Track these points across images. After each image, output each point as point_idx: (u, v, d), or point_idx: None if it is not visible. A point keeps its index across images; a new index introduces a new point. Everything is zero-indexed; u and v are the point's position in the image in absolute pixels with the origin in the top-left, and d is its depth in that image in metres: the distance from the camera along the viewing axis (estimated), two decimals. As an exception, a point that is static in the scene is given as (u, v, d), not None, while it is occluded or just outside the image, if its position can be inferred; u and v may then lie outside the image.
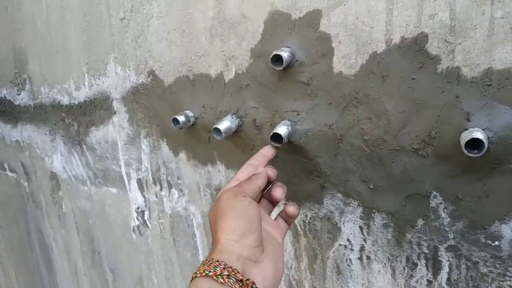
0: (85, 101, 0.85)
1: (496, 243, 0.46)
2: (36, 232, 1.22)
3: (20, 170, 1.16)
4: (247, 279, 0.38)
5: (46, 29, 0.87)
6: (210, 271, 0.38)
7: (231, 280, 0.37)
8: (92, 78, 0.82)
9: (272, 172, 0.51)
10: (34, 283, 1.34)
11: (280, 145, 0.54)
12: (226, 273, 0.38)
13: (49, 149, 1.01)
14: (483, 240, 0.47)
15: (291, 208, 0.49)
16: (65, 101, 0.90)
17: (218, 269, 0.38)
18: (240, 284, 0.38)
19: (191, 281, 0.39)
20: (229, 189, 0.46)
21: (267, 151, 0.53)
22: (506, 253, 0.46)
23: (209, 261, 0.39)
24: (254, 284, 0.38)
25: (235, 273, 0.38)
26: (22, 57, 0.97)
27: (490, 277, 0.48)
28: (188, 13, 0.63)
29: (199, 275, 0.38)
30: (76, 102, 0.87)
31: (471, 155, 0.41)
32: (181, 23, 0.64)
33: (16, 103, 1.05)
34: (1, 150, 1.20)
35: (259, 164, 0.51)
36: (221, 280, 0.37)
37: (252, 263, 0.40)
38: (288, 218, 0.50)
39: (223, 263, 0.38)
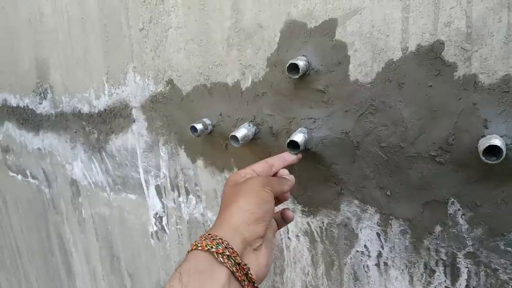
0: (105, 109, 0.88)
1: (516, 250, 0.46)
2: (56, 237, 1.25)
3: (42, 177, 1.19)
4: (245, 264, 0.39)
5: (68, 40, 0.90)
6: (212, 247, 0.38)
7: (230, 262, 0.38)
8: (112, 87, 0.84)
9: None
10: (54, 287, 1.37)
11: (297, 152, 0.55)
12: (227, 253, 0.38)
13: (69, 156, 1.04)
14: (502, 247, 0.47)
15: (290, 213, 0.51)
16: (86, 109, 0.92)
17: (220, 247, 0.38)
18: (237, 268, 0.39)
19: (189, 251, 0.40)
20: (260, 178, 0.47)
21: (288, 156, 0.55)
22: (526, 260, 0.46)
23: (212, 237, 0.40)
24: (249, 271, 0.39)
25: (235, 256, 0.39)
26: (44, 67, 1.00)
27: (510, 284, 0.48)
28: (205, 24, 0.64)
29: (200, 248, 0.38)
30: (96, 111, 0.90)
31: (489, 162, 0.41)
32: (199, 33, 0.65)
33: (38, 111, 1.08)
34: (23, 157, 1.23)
35: (275, 165, 0.52)
36: (221, 259, 0.38)
37: (251, 250, 0.42)
38: (281, 222, 0.51)
39: (226, 242, 0.39)
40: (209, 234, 0.40)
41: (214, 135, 0.69)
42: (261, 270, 0.42)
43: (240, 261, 0.39)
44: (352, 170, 0.56)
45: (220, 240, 0.39)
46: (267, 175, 0.50)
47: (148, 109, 0.78)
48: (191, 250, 0.39)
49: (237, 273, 0.38)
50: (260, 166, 0.51)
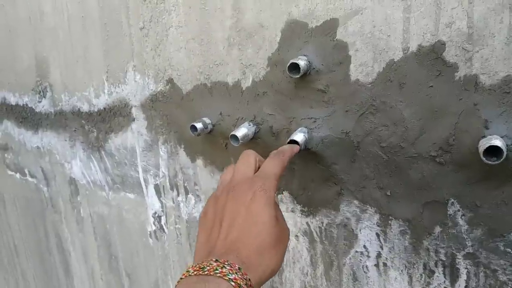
0: (104, 108, 0.87)
1: (516, 251, 0.46)
2: (54, 237, 1.25)
3: (40, 176, 1.19)
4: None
5: (68, 39, 0.90)
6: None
7: None
8: (112, 86, 0.84)
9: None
10: (52, 287, 1.37)
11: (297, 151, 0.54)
12: None
13: (68, 155, 1.04)
14: (502, 248, 0.47)
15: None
16: (85, 108, 0.92)
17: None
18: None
19: (212, 273, 0.37)
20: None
21: (294, 147, 0.52)
22: (526, 261, 0.46)
23: (243, 276, 0.37)
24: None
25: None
26: (43, 66, 1.00)
27: (510, 285, 0.48)
28: (206, 23, 0.64)
29: (233, 284, 0.36)
30: (96, 109, 0.89)
31: (489, 162, 0.41)
32: (200, 32, 0.65)
33: (37, 110, 1.08)
34: (22, 156, 1.23)
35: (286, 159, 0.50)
36: None
37: None
38: None
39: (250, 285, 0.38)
40: (249, 280, 0.38)
41: (214, 134, 0.69)
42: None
43: None
44: (352, 170, 0.56)
45: (248, 282, 0.38)
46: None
47: (148, 108, 0.78)
48: (232, 284, 0.36)
49: None
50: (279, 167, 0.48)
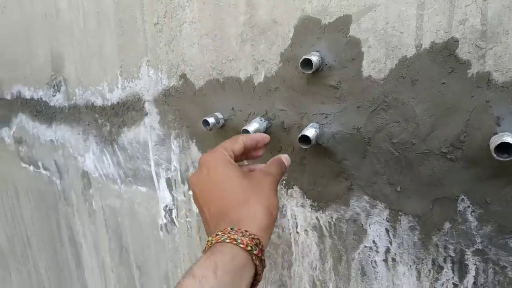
0: (118, 102, 0.89)
1: (526, 248, 0.46)
2: (67, 229, 1.27)
3: (53, 168, 1.21)
4: (264, 264, 0.41)
5: (83, 35, 0.92)
6: (252, 248, 0.39)
7: (259, 264, 0.40)
8: (126, 80, 0.85)
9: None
10: (63, 278, 1.39)
11: (308, 147, 0.55)
12: (262, 257, 0.41)
13: (81, 148, 1.05)
14: (511, 245, 0.47)
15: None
16: (99, 102, 0.94)
17: (257, 249, 0.40)
18: (260, 267, 0.41)
19: (222, 242, 0.40)
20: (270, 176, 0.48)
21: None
22: (535, 258, 0.46)
23: (251, 236, 0.40)
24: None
25: (264, 257, 0.41)
26: (59, 61, 1.02)
27: (519, 282, 0.48)
28: (220, 19, 0.65)
29: (241, 245, 0.39)
30: (109, 104, 0.91)
31: (500, 159, 0.41)
32: (213, 28, 0.66)
33: (52, 104, 1.10)
34: (36, 149, 1.25)
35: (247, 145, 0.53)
36: (256, 262, 0.40)
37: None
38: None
39: (261, 244, 0.41)
40: (246, 231, 0.40)
41: (226, 129, 0.70)
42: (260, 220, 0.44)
43: (263, 261, 0.40)
44: (363, 166, 0.56)
45: (258, 241, 0.40)
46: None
47: (161, 102, 0.79)
48: (228, 242, 0.39)
49: (258, 273, 0.40)
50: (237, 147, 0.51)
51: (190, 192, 0.82)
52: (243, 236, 0.40)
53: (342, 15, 0.52)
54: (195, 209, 0.83)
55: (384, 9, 0.49)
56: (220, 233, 0.40)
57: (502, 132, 0.44)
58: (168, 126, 0.80)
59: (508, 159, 0.41)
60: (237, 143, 0.51)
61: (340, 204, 0.61)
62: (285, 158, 0.52)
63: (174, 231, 0.90)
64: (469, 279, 0.52)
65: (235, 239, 0.39)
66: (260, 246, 0.40)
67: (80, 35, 0.93)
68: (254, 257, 0.39)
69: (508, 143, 0.41)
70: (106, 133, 0.95)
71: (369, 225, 0.59)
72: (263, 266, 0.41)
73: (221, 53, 0.67)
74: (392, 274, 0.59)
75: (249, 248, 0.39)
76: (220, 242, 0.39)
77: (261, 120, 0.63)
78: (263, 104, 0.64)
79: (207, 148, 0.75)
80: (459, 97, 0.46)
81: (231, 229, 0.41)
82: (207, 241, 0.41)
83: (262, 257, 0.40)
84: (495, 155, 0.42)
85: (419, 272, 0.56)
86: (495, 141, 0.42)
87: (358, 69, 0.53)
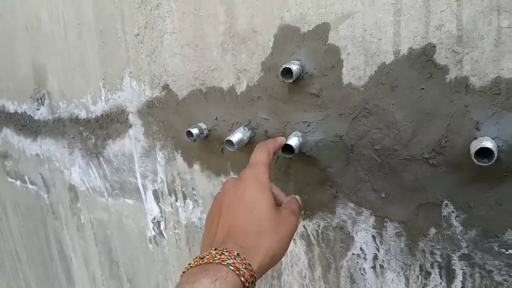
0: (102, 115, 0.88)
1: (510, 251, 0.46)
2: (56, 243, 1.25)
3: (40, 183, 1.19)
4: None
5: (64, 46, 0.91)
6: (248, 283, 0.38)
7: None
8: (109, 92, 0.84)
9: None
10: (54, 293, 1.37)
11: (291, 156, 0.55)
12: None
13: (67, 162, 1.04)
14: (496, 249, 0.47)
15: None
16: (83, 115, 0.93)
17: (252, 282, 0.39)
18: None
19: (223, 264, 0.38)
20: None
21: (278, 139, 0.54)
22: (520, 262, 0.46)
23: (250, 270, 0.39)
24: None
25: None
26: (41, 73, 1.01)
27: (505, 285, 0.48)
28: (200, 29, 0.65)
29: (242, 278, 0.37)
30: (93, 116, 0.90)
31: (481, 164, 0.41)
32: (194, 38, 0.66)
33: (36, 117, 1.08)
34: (22, 163, 1.24)
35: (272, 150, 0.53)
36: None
37: None
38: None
39: (255, 278, 0.40)
40: (249, 265, 0.39)
41: (210, 140, 0.69)
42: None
43: None
44: (347, 173, 0.56)
45: (254, 279, 0.39)
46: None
47: (145, 114, 0.79)
48: (232, 269, 0.38)
49: None
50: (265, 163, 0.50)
51: (178, 203, 0.81)
52: (245, 269, 0.38)
53: (320, 23, 0.52)
54: (183, 220, 0.82)
55: (362, 16, 0.49)
56: (226, 253, 0.39)
57: (481, 136, 0.44)
58: (153, 138, 0.79)
59: (488, 164, 0.41)
60: (270, 155, 0.51)
61: (326, 212, 0.60)
62: (298, 199, 0.52)
63: (163, 243, 0.89)
64: (457, 284, 0.52)
65: (238, 268, 0.38)
66: (253, 285, 0.39)
67: (62, 47, 0.92)
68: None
69: (487, 148, 0.41)
70: (91, 146, 0.94)
71: (356, 232, 0.58)
72: None
73: (203, 63, 0.66)
74: (380, 281, 0.58)
75: (247, 284, 0.38)
76: (223, 264, 0.38)
77: (245, 130, 0.63)
78: (246, 113, 0.63)
79: (193, 158, 0.75)
80: (439, 102, 0.46)
81: (237, 254, 0.39)
82: (209, 253, 0.39)
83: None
84: (475, 160, 0.42)
85: (407, 279, 0.56)
86: (474, 146, 0.42)
87: (338, 77, 0.52)
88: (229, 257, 0.38)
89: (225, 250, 0.39)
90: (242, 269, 0.38)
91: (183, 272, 0.39)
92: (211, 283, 0.36)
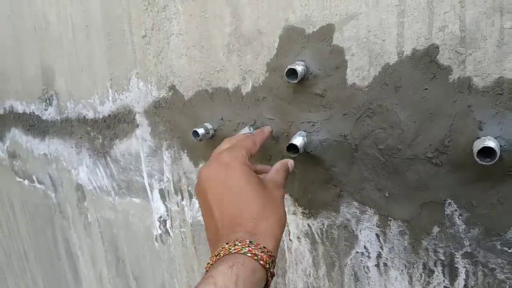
0: (109, 115, 0.89)
1: (513, 249, 0.47)
2: (63, 242, 1.27)
3: (48, 182, 1.21)
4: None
5: (72, 48, 0.92)
6: (270, 267, 0.40)
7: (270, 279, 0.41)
8: (116, 93, 0.85)
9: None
10: (61, 291, 1.39)
11: (296, 155, 0.56)
12: (273, 273, 0.41)
13: (75, 161, 1.06)
14: (499, 247, 0.48)
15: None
16: (90, 115, 0.94)
17: (272, 266, 0.40)
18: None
19: (240, 252, 0.39)
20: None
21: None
22: (523, 260, 0.47)
23: (269, 253, 0.40)
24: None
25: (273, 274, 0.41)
26: (49, 74, 1.02)
27: (508, 283, 0.48)
28: (206, 30, 0.65)
29: (261, 262, 0.39)
30: (101, 116, 0.91)
31: (483, 163, 0.42)
32: (200, 39, 0.67)
33: (44, 118, 1.10)
34: (30, 163, 1.25)
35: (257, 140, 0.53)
36: (269, 278, 0.40)
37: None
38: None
39: (275, 262, 0.41)
40: (264, 248, 0.40)
41: (216, 139, 0.70)
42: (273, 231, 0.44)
43: (273, 276, 0.41)
44: (351, 172, 0.57)
45: (273, 258, 0.40)
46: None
47: (151, 114, 0.80)
48: (249, 256, 0.39)
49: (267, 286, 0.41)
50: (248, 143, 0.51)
51: (184, 202, 0.82)
52: (262, 252, 0.40)
53: (325, 24, 0.53)
54: (189, 219, 0.83)
55: (366, 18, 0.50)
56: (239, 244, 0.40)
57: (484, 136, 0.44)
58: (159, 138, 0.81)
59: (490, 163, 0.42)
60: (255, 146, 0.51)
61: (330, 211, 0.61)
62: (291, 164, 0.52)
63: (169, 241, 0.90)
64: (460, 282, 0.52)
65: (255, 254, 0.39)
66: (274, 264, 0.40)
67: (70, 48, 0.93)
68: (269, 274, 0.40)
69: (490, 148, 0.41)
70: (99, 146, 0.95)
71: (360, 231, 0.59)
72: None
73: (209, 64, 0.67)
74: (384, 279, 0.59)
75: (267, 265, 0.39)
76: (240, 253, 0.39)
77: (250, 130, 0.63)
78: (252, 113, 0.64)
79: (199, 158, 0.76)
80: (442, 102, 0.47)
81: (250, 242, 0.40)
82: (223, 247, 0.40)
83: (273, 274, 0.41)
84: (478, 160, 0.42)
85: (410, 277, 0.56)
86: (477, 145, 0.43)
87: (342, 77, 0.53)
88: (243, 246, 0.39)
89: (237, 241, 0.40)
90: (259, 254, 0.39)
91: (206, 271, 0.40)
92: (228, 268, 0.37)
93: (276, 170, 0.50)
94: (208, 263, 0.40)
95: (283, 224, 0.44)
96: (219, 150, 0.50)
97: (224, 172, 0.45)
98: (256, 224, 0.42)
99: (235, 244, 0.39)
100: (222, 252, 0.39)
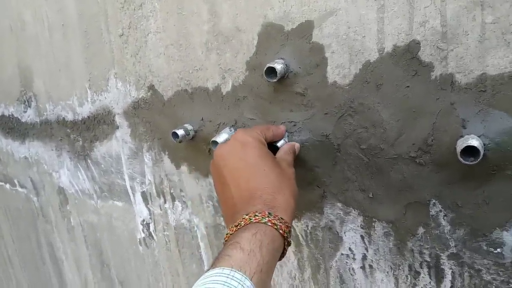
0: (88, 116, 0.87)
1: (498, 250, 0.46)
2: (47, 246, 1.24)
3: (29, 186, 1.18)
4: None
5: (49, 48, 0.89)
6: (288, 236, 0.43)
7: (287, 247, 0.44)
8: (95, 94, 0.83)
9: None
10: (47, 296, 1.36)
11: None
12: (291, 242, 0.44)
13: (56, 164, 1.03)
14: (485, 248, 0.46)
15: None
16: (70, 117, 0.91)
17: (290, 236, 0.43)
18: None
19: (262, 222, 0.41)
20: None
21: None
22: (508, 260, 0.45)
23: (286, 223, 0.43)
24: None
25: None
26: (27, 75, 0.99)
27: (494, 284, 0.47)
28: (184, 28, 0.63)
29: (280, 231, 0.42)
30: (80, 118, 0.89)
31: (467, 162, 0.41)
32: (178, 38, 0.65)
33: (23, 120, 1.07)
34: (11, 166, 1.22)
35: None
36: (286, 246, 0.44)
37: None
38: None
39: (291, 232, 0.44)
40: (282, 219, 0.43)
41: (196, 141, 0.68)
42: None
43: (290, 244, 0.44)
44: (334, 173, 0.55)
45: (290, 229, 0.43)
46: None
47: (131, 115, 0.77)
48: (269, 225, 0.41)
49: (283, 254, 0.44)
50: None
51: (166, 205, 0.80)
52: (280, 222, 0.42)
53: (304, 21, 0.51)
54: (172, 222, 0.81)
55: (345, 13, 0.48)
56: (259, 214, 0.42)
57: (467, 134, 0.43)
58: (140, 139, 0.78)
59: (474, 162, 0.40)
60: (269, 130, 0.53)
61: (314, 212, 0.59)
62: (297, 147, 0.55)
63: (153, 245, 0.88)
64: (446, 283, 0.51)
65: (275, 223, 0.41)
66: (290, 234, 0.43)
67: (47, 48, 0.90)
68: (286, 243, 0.43)
69: (473, 147, 0.40)
70: (79, 148, 0.93)
71: (344, 233, 0.57)
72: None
73: (188, 63, 0.65)
74: (370, 281, 0.58)
75: (285, 235, 0.42)
76: (260, 223, 0.41)
77: (231, 130, 0.62)
78: (232, 113, 0.62)
79: (180, 159, 0.73)
80: (424, 100, 0.45)
81: (269, 213, 0.42)
82: (243, 218, 0.42)
83: (290, 243, 0.44)
84: (461, 159, 0.41)
85: (396, 278, 0.55)
86: (460, 144, 0.41)
87: (323, 75, 0.52)
88: (263, 217, 0.42)
89: (257, 212, 0.42)
90: (278, 223, 0.42)
91: (225, 241, 0.42)
92: (252, 235, 0.39)
93: (285, 151, 0.53)
94: (227, 234, 0.43)
95: (296, 197, 0.47)
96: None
97: (241, 149, 0.48)
98: (274, 197, 0.45)
99: (255, 215, 0.42)
100: (242, 222, 0.42)
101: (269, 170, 0.47)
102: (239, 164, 0.48)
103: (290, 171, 0.50)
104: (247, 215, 0.42)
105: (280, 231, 0.42)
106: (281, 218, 0.43)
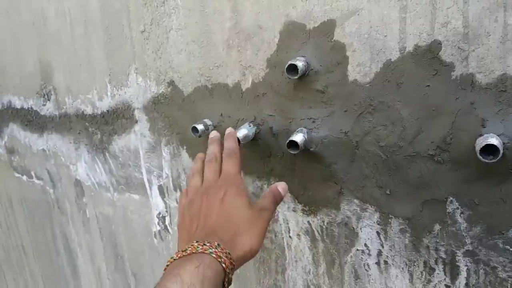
0: (107, 110, 0.88)
1: (515, 248, 0.46)
2: (62, 237, 1.26)
3: (46, 178, 1.20)
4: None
5: (71, 43, 0.91)
6: (229, 271, 0.42)
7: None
8: (115, 88, 0.85)
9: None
10: (60, 287, 1.38)
11: (297, 152, 0.55)
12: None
13: (73, 157, 1.05)
14: (501, 245, 0.47)
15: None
16: (89, 111, 0.93)
17: (231, 271, 0.43)
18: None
19: (207, 253, 0.42)
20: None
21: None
22: (525, 258, 0.46)
23: (231, 259, 0.43)
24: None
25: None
26: (47, 69, 1.01)
27: (509, 282, 0.48)
28: (206, 25, 0.65)
29: (223, 265, 0.42)
30: (99, 112, 0.91)
31: (486, 161, 0.41)
32: (199, 34, 0.66)
33: (42, 113, 1.09)
34: (28, 158, 1.25)
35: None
36: (226, 280, 0.43)
37: None
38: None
39: (234, 268, 0.44)
40: (229, 254, 0.43)
41: (215, 136, 0.70)
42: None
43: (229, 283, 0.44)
44: (352, 170, 0.56)
45: (233, 267, 0.43)
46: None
47: (150, 110, 0.79)
48: (214, 257, 0.42)
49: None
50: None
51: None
52: (226, 257, 0.43)
53: (326, 20, 0.52)
54: (188, 215, 0.82)
55: (367, 13, 0.49)
56: (208, 244, 0.43)
57: (487, 133, 0.44)
58: (158, 133, 0.80)
59: (493, 160, 0.41)
60: (240, 165, 0.56)
61: (331, 208, 0.61)
62: (282, 187, 0.54)
63: (168, 238, 0.89)
64: (461, 280, 0.52)
65: (220, 256, 0.42)
66: (232, 272, 0.43)
67: (68, 43, 0.92)
68: (227, 279, 0.42)
69: (493, 145, 0.41)
70: (97, 142, 0.95)
71: (361, 229, 0.58)
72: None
73: (208, 60, 0.67)
74: (385, 276, 0.59)
75: (227, 270, 0.42)
76: (205, 253, 0.41)
77: (250, 126, 0.63)
78: (252, 109, 0.64)
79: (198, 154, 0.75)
80: (444, 99, 0.46)
81: (218, 244, 0.43)
82: (192, 245, 0.43)
83: (231, 280, 0.44)
84: (480, 157, 0.42)
85: (411, 275, 0.56)
86: (480, 143, 0.42)
87: (343, 73, 0.53)
88: (210, 247, 0.42)
89: (206, 242, 0.43)
90: (223, 257, 0.42)
91: (167, 266, 0.42)
92: (194, 268, 0.39)
93: (264, 196, 0.53)
94: (172, 258, 0.43)
95: (252, 250, 0.47)
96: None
97: (223, 194, 0.51)
98: (229, 236, 0.46)
99: (203, 244, 0.43)
100: (189, 249, 0.42)
101: (239, 215, 0.49)
102: (216, 205, 0.50)
103: (260, 219, 0.50)
104: (197, 242, 0.43)
105: (223, 265, 0.42)
106: (228, 253, 0.43)
